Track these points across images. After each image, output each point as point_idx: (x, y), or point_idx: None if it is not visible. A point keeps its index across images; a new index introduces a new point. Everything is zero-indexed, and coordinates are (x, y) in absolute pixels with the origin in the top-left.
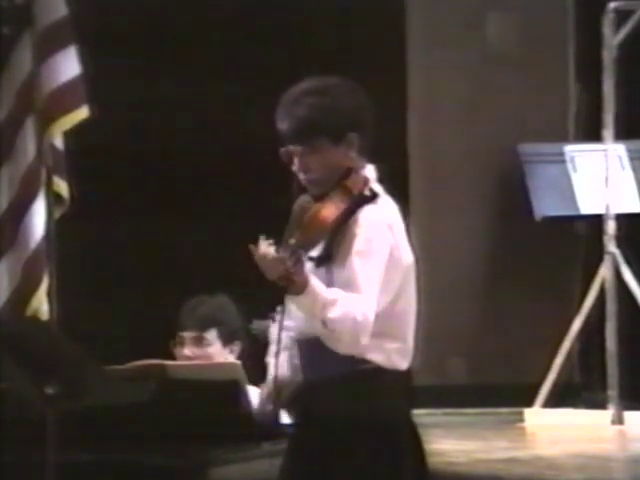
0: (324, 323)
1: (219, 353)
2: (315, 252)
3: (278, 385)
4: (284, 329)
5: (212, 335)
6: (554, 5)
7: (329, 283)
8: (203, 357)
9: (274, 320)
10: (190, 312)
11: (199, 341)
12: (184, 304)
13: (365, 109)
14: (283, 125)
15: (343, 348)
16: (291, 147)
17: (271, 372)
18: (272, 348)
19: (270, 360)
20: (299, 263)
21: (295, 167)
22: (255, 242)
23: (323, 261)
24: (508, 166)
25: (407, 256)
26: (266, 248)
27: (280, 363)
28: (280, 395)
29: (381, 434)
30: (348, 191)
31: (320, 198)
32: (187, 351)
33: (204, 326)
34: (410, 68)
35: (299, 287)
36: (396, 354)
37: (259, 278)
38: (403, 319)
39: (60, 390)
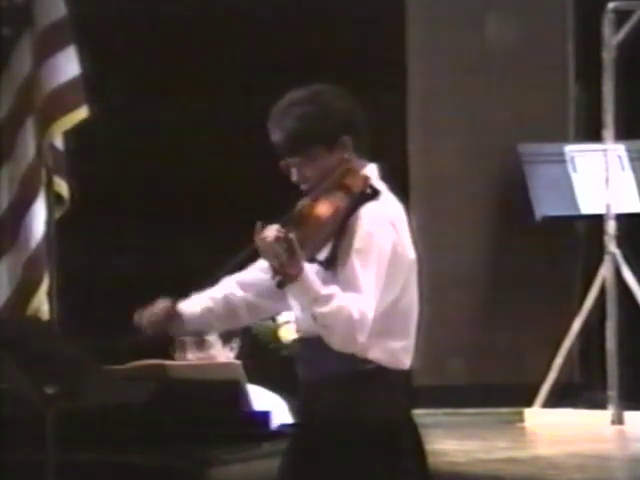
0: (314, 317)
1: (221, 353)
2: (323, 255)
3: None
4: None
5: (213, 337)
6: (554, 5)
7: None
8: (207, 360)
9: None
10: None
11: (201, 344)
12: None
13: (354, 111)
14: (275, 137)
15: (338, 345)
16: (288, 159)
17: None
18: None
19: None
20: (294, 257)
21: (294, 177)
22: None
23: (331, 263)
24: (508, 166)
25: (410, 253)
26: (268, 231)
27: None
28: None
29: (382, 435)
30: (347, 189)
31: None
32: (190, 355)
33: None
34: (410, 68)
35: (291, 278)
36: (401, 352)
37: None
38: (406, 316)
39: (60, 390)
